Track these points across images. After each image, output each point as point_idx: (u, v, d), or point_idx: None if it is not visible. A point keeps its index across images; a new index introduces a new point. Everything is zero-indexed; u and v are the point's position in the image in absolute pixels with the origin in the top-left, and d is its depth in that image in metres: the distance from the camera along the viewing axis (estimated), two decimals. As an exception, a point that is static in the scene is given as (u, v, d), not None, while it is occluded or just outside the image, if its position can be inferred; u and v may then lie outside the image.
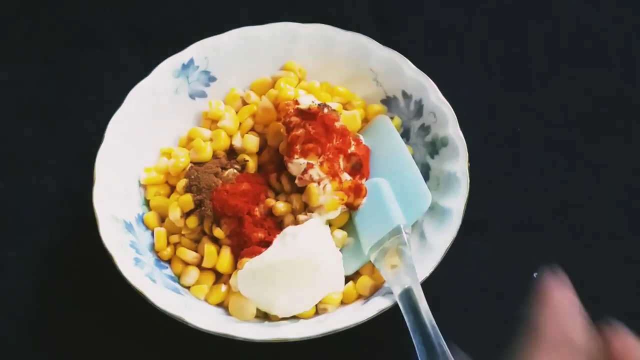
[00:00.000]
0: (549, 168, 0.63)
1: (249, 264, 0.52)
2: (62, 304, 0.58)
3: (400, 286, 0.51)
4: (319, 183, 0.55)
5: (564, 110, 0.65)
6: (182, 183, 0.57)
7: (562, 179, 0.62)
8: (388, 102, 0.60)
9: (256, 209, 0.55)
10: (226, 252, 0.55)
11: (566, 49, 0.69)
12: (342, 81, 0.61)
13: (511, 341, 0.54)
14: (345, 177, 0.56)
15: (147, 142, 0.59)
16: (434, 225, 0.54)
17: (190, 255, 0.56)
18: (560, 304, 0.41)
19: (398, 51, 0.60)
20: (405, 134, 0.59)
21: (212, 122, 0.60)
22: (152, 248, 0.56)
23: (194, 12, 0.72)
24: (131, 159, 0.58)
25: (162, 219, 0.57)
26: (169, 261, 0.56)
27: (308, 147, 0.55)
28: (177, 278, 0.56)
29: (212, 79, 0.61)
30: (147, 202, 0.58)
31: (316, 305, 0.53)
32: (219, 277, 0.56)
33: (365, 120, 0.60)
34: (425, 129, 0.58)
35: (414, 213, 0.55)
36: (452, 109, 0.57)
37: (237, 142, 0.58)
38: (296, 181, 0.56)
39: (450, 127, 0.57)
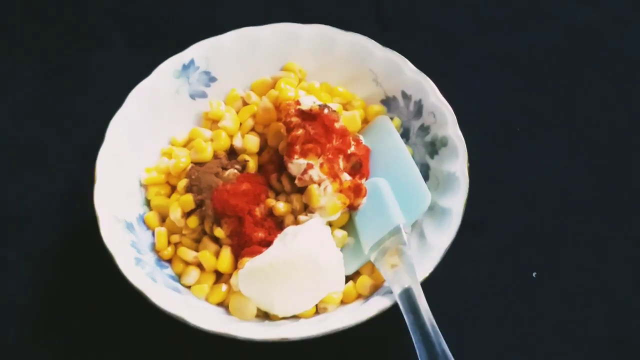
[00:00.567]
0: (548, 169, 0.63)
1: (249, 264, 0.53)
2: (62, 304, 0.58)
3: (400, 286, 0.51)
4: (319, 184, 0.55)
5: (563, 110, 0.65)
6: (182, 183, 0.57)
7: (562, 180, 0.62)
8: (388, 102, 0.60)
9: (257, 209, 0.55)
10: (227, 252, 0.55)
11: (567, 49, 0.69)
12: (342, 81, 0.61)
13: (510, 342, 0.55)
14: (345, 177, 0.56)
15: (147, 142, 0.59)
16: (433, 225, 0.54)
17: (190, 255, 0.56)
18: None
19: (398, 52, 0.60)
20: (405, 134, 0.60)
21: (213, 122, 0.60)
22: (153, 248, 0.56)
23: (194, 11, 0.72)
24: (132, 159, 0.58)
25: (163, 218, 0.57)
26: (169, 261, 0.57)
27: (308, 147, 0.55)
28: (178, 278, 0.56)
29: (213, 79, 0.61)
30: (147, 202, 0.58)
31: (316, 305, 0.54)
32: (220, 277, 0.56)
33: (365, 121, 0.60)
34: (424, 129, 0.58)
35: (414, 213, 0.55)
36: (451, 109, 0.57)
37: (238, 142, 0.58)
38: (296, 181, 0.56)
39: (449, 127, 0.57)
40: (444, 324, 0.55)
